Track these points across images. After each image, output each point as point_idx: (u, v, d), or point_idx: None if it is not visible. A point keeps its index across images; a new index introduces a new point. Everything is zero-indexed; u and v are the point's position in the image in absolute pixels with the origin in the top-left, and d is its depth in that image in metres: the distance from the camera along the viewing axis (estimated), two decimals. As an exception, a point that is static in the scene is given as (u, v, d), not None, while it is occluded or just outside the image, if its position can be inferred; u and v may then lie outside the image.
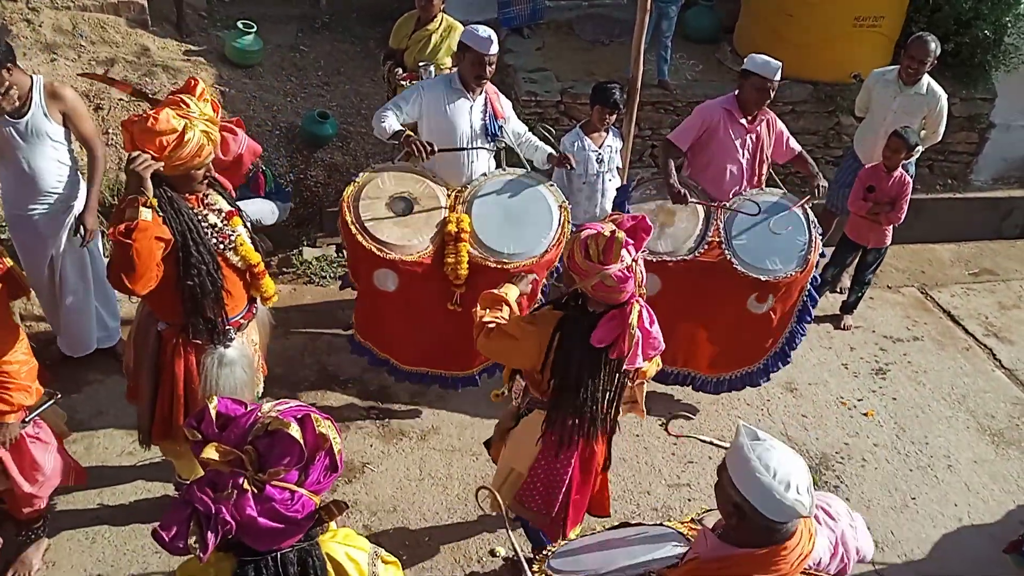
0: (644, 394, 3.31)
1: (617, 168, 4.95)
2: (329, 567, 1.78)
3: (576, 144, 4.65)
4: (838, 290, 5.79)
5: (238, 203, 3.29)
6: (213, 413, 1.72)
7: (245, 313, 3.29)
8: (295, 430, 1.69)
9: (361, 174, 4.19)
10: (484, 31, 4.02)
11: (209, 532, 1.60)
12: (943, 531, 4.13)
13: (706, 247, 4.23)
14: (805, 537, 1.95)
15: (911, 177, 5.14)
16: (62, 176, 3.98)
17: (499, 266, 4.01)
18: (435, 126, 4.18)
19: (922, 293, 6.11)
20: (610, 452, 3.24)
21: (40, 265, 4.11)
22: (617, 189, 4.70)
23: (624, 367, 2.82)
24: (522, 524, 3.49)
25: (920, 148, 5.12)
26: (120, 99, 5.82)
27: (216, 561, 1.71)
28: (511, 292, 3.12)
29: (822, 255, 4.39)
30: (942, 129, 5.33)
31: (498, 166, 4.39)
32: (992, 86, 6.86)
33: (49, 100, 3.81)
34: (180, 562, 1.79)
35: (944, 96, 5.21)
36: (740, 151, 4.36)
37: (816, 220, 4.39)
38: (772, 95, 4.25)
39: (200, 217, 3.02)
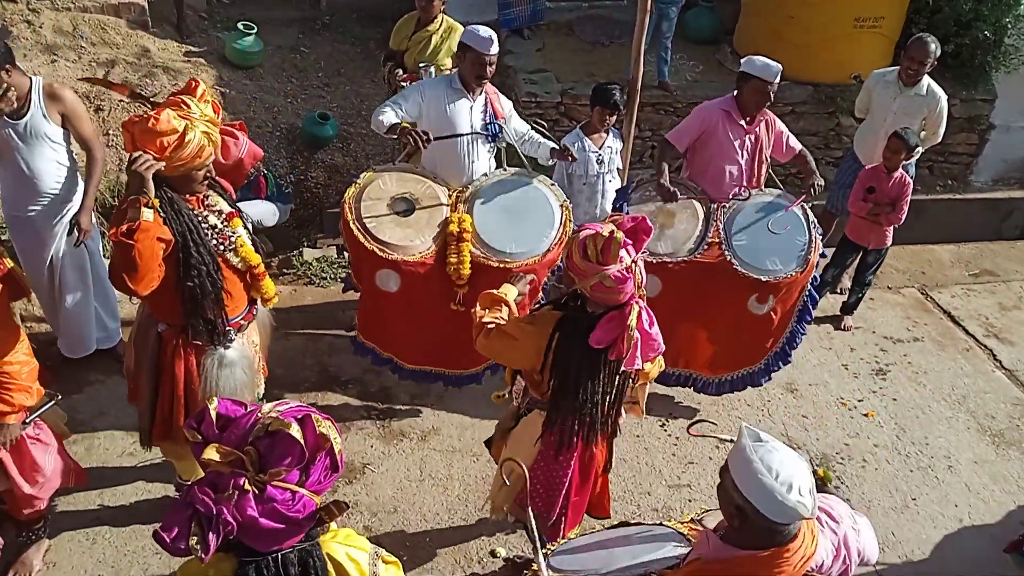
0: (646, 395, 3.31)
1: (617, 169, 4.95)
2: (330, 567, 1.79)
3: (576, 145, 4.65)
4: (838, 291, 5.79)
5: (239, 204, 3.29)
6: (213, 414, 1.72)
7: (245, 314, 3.30)
8: (296, 430, 1.69)
9: (362, 175, 4.20)
10: (485, 31, 4.03)
11: (211, 533, 1.60)
12: (944, 532, 4.13)
13: (706, 248, 4.23)
14: (808, 539, 1.95)
15: (911, 178, 5.14)
16: (61, 177, 3.98)
17: (501, 265, 4.02)
18: (435, 126, 4.18)
19: (922, 294, 6.11)
20: (611, 455, 3.23)
21: (39, 266, 4.11)
22: (617, 191, 4.70)
23: (622, 368, 2.81)
24: (523, 524, 3.49)
25: (920, 149, 5.12)
26: (120, 101, 5.82)
27: (216, 562, 1.71)
28: (510, 292, 3.12)
29: (822, 255, 4.38)
30: (942, 130, 5.33)
31: (498, 166, 4.40)
32: (992, 87, 6.86)
33: (48, 101, 3.81)
34: (181, 563, 1.79)
35: (944, 97, 5.21)
36: (739, 152, 4.36)
37: (816, 221, 4.40)
38: (772, 98, 4.25)
39: (200, 218, 3.02)
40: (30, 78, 3.80)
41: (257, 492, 1.65)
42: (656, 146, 6.41)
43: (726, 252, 4.21)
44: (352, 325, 4.52)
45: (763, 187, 4.50)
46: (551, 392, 2.90)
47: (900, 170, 5.03)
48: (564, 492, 3.12)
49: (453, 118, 4.16)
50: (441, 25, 5.26)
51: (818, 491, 2.30)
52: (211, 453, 1.67)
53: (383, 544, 2.04)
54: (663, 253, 4.21)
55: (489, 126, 4.24)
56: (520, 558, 3.69)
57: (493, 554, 3.78)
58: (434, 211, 4.15)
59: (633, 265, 2.69)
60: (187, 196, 2.99)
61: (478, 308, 3.02)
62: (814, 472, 2.32)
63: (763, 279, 4.17)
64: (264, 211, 5.56)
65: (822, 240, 4.36)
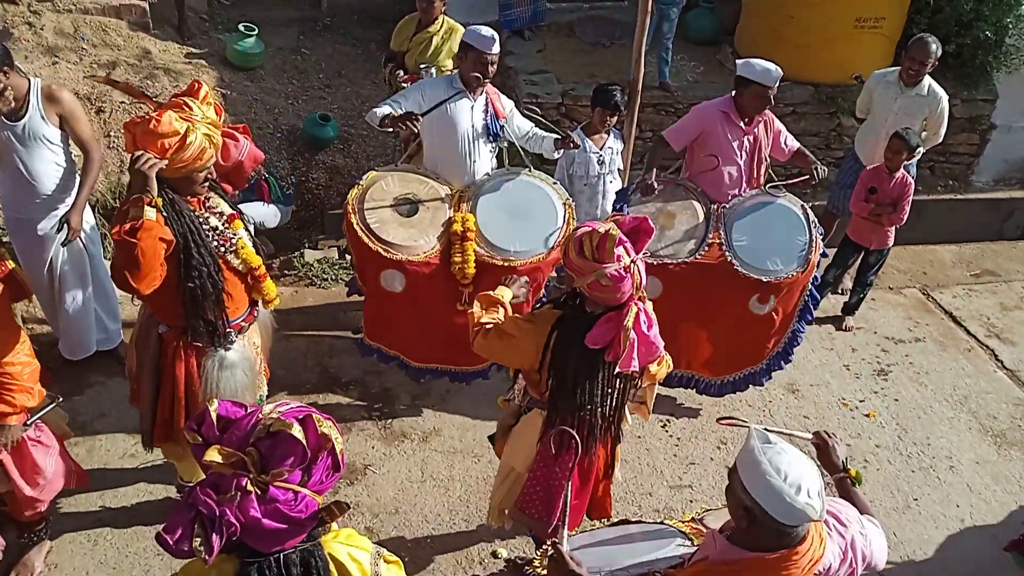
0: (654, 396, 3.30)
1: (618, 170, 4.96)
2: (332, 567, 1.79)
3: (577, 146, 4.65)
4: (840, 291, 5.78)
5: (241, 206, 3.29)
6: (214, 416, 1.72)
7: (247, 316, 3.30)
8: (297, 431, 1.69)
9: (365, 176, 4.21)
10: (487, 31, 4.04)
11: (214, 534, 1.60)
12: (945, 532, 4.13)
13: (707, 249, 4.23)
14: (816, 542, 1.95)
15: (912, 178, 5.14)
16: (60, 179, 3.97)
17: (506, 264, 4.04)
18: (436, 125, 4.19)
19: (924, 294, 6.10)
20: (614, 458, 3.22)
21: (39, 268, 4.11)
22: (617, 192, 4.70)
23: (618, 370, 2.77)
24: (525, 529, 3.49)
25: (921, 149, 5.12)
26: (122, 102, 5.83)
27: (219, 563, 1.71)
28: (505, 295, 3.12)
29: (824, 255, 4.38)
30: (943, 130, 5.33)
31: (500, 165, 4.40)
32: (993, 87, 6.85)
33: (46, 103, 3.81)
34: (182, 564, 1.79)
35: (945, 97, 5.20)
36: (738, 153, 4.35)
37: (817, 220, 4.39)
38: (773, 101, 4.24)
39: (201, 219, 3.02)
40: (28, 80, 3.80)
41: (259, 493, 1.65)
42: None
43: (727, 253, 4.21)
44: (358, 328, 4.53)
45: (763, 187, 4.50)
46: (549, 392, 2.90)
47: (902, 170, 5.03)
48: (564, 495, 3.12)
49: (454, 118, 4.16)
50: (442, 26, 5.26)
51: (853, 487, 2.32)
52: (213, 454, 1.67)
53: (384, 545, 2.04)
54: (664, 254, 4.20)
55: (491, 126, 4.25)
56: (521, 559, 3.69)
57: (495, 555, 3.77)
58: (437, 211, 4.16)
59: (632, 265, 2.67)
60: (188, 198, 3.00)
61: (475, 309, 3.01)
62: (846, 471, 2.33)
63: (764, 279, 4.17)
64: (266, 212, 5.57)
65: (823, 240, 4.36)
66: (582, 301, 2.81)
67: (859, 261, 5.50)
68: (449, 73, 4.75)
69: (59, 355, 4.42)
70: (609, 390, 2.90)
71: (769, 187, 4.40)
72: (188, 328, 3.10)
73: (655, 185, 4.24)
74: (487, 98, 4.26)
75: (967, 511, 4.25)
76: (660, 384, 4.35)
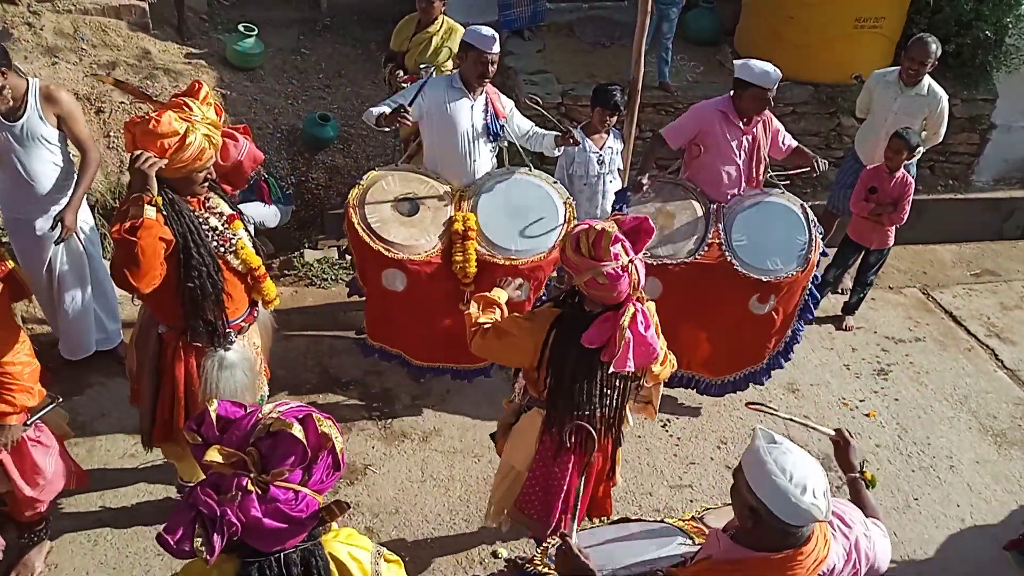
0: (659, 396, 3.30)
1: (618, 170, 4.96)
2: (332, 567, 1.79)
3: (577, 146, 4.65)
4: (840, 291, 5.78)
5: (240, 206, 3.29)
6: (213, 416, 1.72)
7: (246, 316, 3.30)
8: (298, 430, 1.69)
9: (366, 176, 4.22)
10: (487, 30, 4.05)
11: (215, 534, 1.60)
12: (946, 532, 4.13)
13: (706, 249, 4.23)
14: (821, 543, 1.95)
15: (912, 178, 5.14)
16: (58, 179, 3.97)
17: (508, 263, 4.04)
18: (436, 125, 4.19)
19: (924, 294, 6.10)
20: (615, 461, 3.22)
21: (38, 268, 4.11)
22: (616, 192, 4.70)
23: (611, 370, 2.73)
24: (525, 531, 3.49)
25: (921, 149, 5.12)
26: (122, 102, 5.83)
27: (219, 563, 1.71)
28: (501, 296, 3.12)
29: (823, 254, 4.38)
30: (943, 130, 5.33)
31: (500, 165, 4.40)
32: (993, 87, 6.85)
33: (44, 103, 3.81)
34: (182, 564, 1.79)
35: (945, 97, 5.21)
36: (737, 152, 4.34)
37: (817, 220, 4.39)
38: (772, 103, 4.23)
39: (201, 220, 3.02)
40: (27, 80, 3.80)
41: (260, 492, 1.65)
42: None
43: (726, 252, 4.21)
44: (361, 329, 4.53)
45: (763, 187, 4.50)
46: (547, 391, 2.89)
47: (902, 170, 5.03)
48: (563, 496, 3.12)
49: (454, 117, 4.16)
50: (442, 26, 5.26)
51: (866, 489, 2.32)
52: (213, 455, 1.66)
53: (385, 545, 2.05)
54: (663, 255, 4.20)
55: (491, 125, 4.25)
56: (522, 559, 3.69)
57: (495, 555, 3.77)
58: (438, 210, 4.17)
59: (630, 264, 2.66)
60: (188, 198, 3.00)
61: (472, 309, 3.00)
62: (862, 474, 2.32)
63: (764, 279, 4.17)
64: (266, 212, 5.58)
65: (823, 240, 4.35)
66: (581, 300, 2.81)
67: (859, 261, 5.50)
68: (449, 73, 4.76)
69: (59, 355, 4.42)
70: (608, 390, 2.89)
71: (774, 176, 4.38)
72: (188, 328, 3.10)
73: (643, 182, 4.23)
74: (487, 98, 4.26)
75: (967, 511, 4.25)
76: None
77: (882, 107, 5.26)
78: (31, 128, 3.80)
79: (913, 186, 5.09)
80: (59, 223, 3.84)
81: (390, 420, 4.46)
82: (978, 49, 6.61)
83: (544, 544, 2.70)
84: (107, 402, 4.31)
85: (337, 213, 5.78)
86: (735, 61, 4.31)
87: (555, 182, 4.37)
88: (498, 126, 4.27)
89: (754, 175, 4.44)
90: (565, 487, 3.09)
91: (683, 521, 2.62)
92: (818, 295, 4.49)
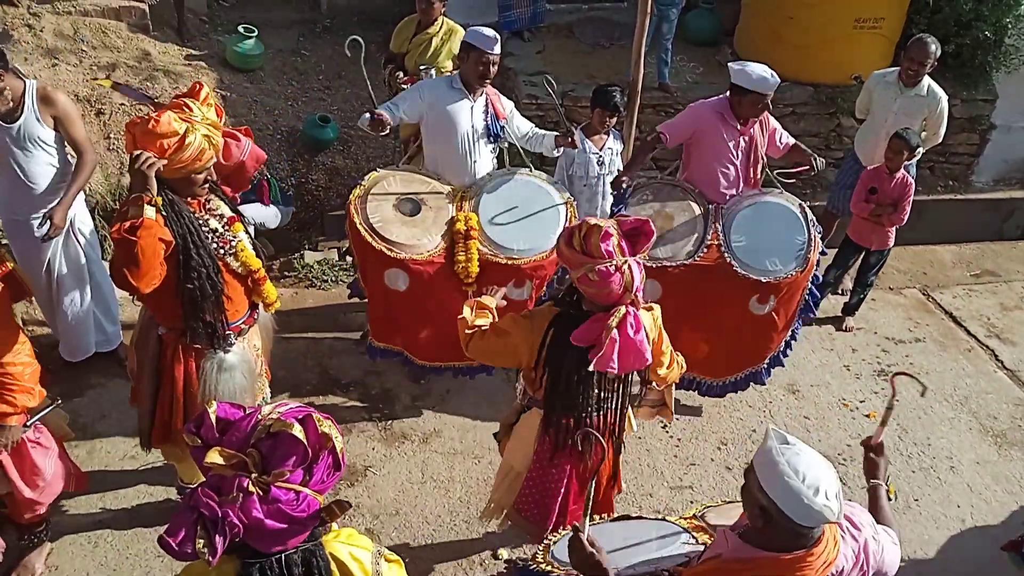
0: (673, 398, 3.30)
1: (618, 171, 4.95)
2: (333, 567, 1.79)
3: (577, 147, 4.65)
4: (840, 292, 5.78)
5: (241, 207, 3.30)
6: (212, 418, 1.72)
7: (247, 318, 3.30)
8: (298, 430, 1.69)
9: (367, 177, 4.23)
10: (489, 31, 4.06)
11: (217, 535, 1.60)
12: (946, 532, 4.13)
13: (705, 250, 4.22)
14: (831, 544, 1.95)
15: (912, 179, 5.14)
16: (56, 181, 3.97)
17: (510, 262, 4.05)
18: (436, 126, 4.19)
19: (924, 295, 6.10)
20: (616, 468, 3.20)
21: (37, 270, 4.11)
22: (614, 195, 4.69)
23: (592, 368, 2.68)
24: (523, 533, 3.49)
25: (921, 150, 5.12)
26: (121, 104, 5.83)
27: (220, 564, 1.70)
28: (489, 303, 3.11)
29: (823, 253, 4.37)
30: (943, 131, 5.33)
31: (500, 166, 4.41)
32: (993, 87, 6.86)
33: (41, 105, 3.81)
34: (183, 566, 1.79)
35: (945, 98, 5.21)
36: (734, 153, 4.33)
37: (816, 220, 4.39)
38: (770, 107, 4.22)
39: (201, 221, 3.02)
40: (24, 81, 3.80)
41: (261, 493, 1.65)
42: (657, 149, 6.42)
43: (725, 254, 4.21)
44: (364, 333, 4.53)
45: (761, 188, 4.49)
46: (544, 391, 2.89)
47: (902, 171, 5.03)
48: (560, 500, 3.11)
49: (454, 118, 4.17)
50: (441, 27, 5.26)
51: (886, 500, 2.32)
52: (214, 456, 1.66)
53: (385, 546, 2.04)
54: (662, 257, 4.20)
55: (491, 126, 4.25)
56: (522, 559, 3.68)
57: (495, 556, 3.77)
58: (440, 210, 4.17)
59: (624, 265, 2.63)
60: (188, 199, 3.00)
61: (466, 313, 2.98)
62: (887, 488, 2.33)
63: (763, 279, 4.17)
64: (267, 214, 5.57)
65: (822, 240, 4.35)
66: (579, 299, 2.80)
67: (859, 261, 5.50)
68: (449, 74, 4.76)
69: (59, 357, 4.42)
70: (604, 393, 2.89)
71: (776, 173, 4.38)
72: (187, 330, 3.10)
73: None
74: (487, 99, 4.27)
75: (967, 511, 4.25)
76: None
77: (882, 108, 5.26)
78: (28, 130, 3.80)
79: (913, 187, 5.09)
80: (48, 220, 3.81)
81: (390, 421, 4.46)
82: (978, 49, 6.62)
83: (546, 540, 2.70)
84: (107, 404, 4.31)
85: (337, 215, 5.78)
86: (730, 65, 4.23)
87: (555, 182, 4.38)
88: (498, 127, 4.28)
89: (752, 175, 4.44)
90: (562, 492, 3.09)
91: (684, 520, 2.62)
92: (818, 295, 4.49)
